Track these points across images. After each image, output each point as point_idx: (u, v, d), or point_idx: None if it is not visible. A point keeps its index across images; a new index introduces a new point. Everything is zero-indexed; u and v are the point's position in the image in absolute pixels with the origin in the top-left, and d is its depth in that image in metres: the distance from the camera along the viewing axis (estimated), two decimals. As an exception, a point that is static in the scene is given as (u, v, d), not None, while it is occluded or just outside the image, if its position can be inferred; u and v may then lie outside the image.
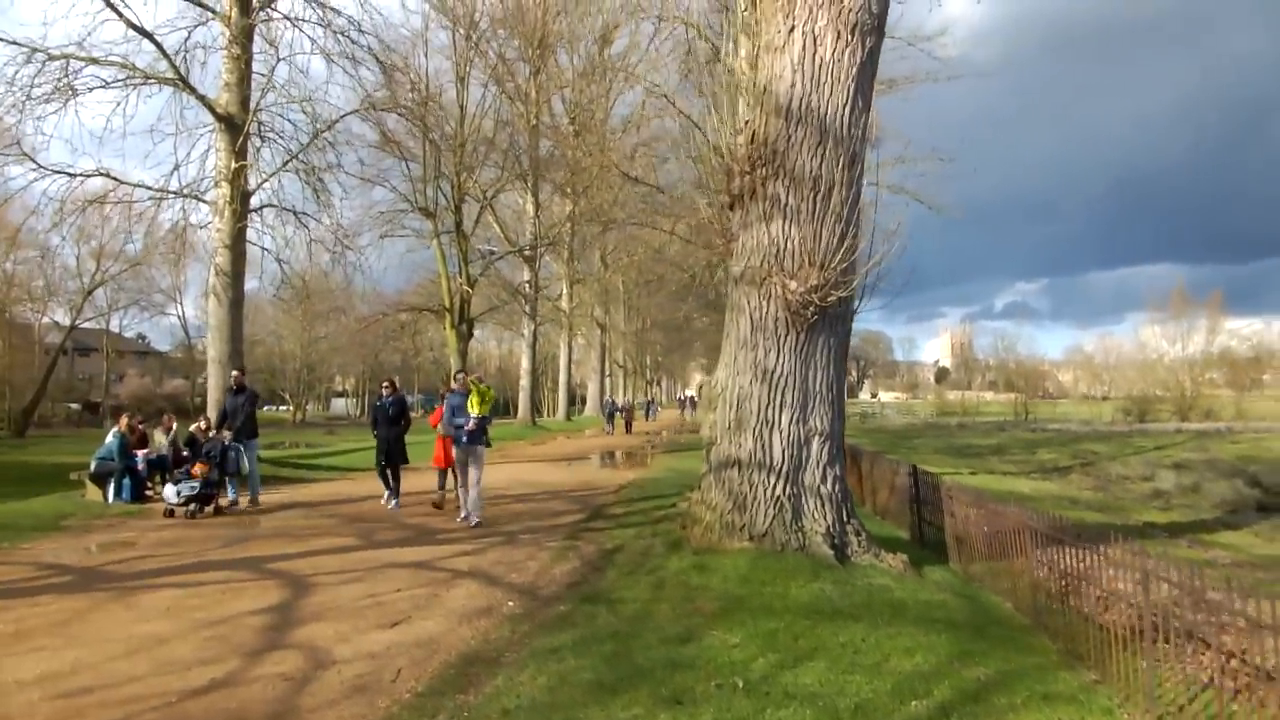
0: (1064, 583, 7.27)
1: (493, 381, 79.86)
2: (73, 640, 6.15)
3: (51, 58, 16.86)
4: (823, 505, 8.65)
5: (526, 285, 40.12)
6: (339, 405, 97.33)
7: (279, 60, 18.89)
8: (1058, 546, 7.49)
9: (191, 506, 12.11)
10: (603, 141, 39.63)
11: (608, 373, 64.35)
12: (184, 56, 18.11)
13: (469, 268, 32.73)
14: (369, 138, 25.88)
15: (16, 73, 16.65)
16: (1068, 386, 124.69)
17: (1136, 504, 23.42)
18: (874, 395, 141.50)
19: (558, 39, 39.66)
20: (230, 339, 18.55)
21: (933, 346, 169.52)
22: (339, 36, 19.78)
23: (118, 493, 13.19)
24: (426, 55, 30.59)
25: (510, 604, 7.36)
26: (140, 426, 14.71)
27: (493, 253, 36.47)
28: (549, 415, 61.65)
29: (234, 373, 14.69)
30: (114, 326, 70.76)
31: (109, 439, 13.56)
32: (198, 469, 12.45)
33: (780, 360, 8.60)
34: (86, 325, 62.62)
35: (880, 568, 8.50)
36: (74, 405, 69.69)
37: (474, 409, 11.40)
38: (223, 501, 12.96)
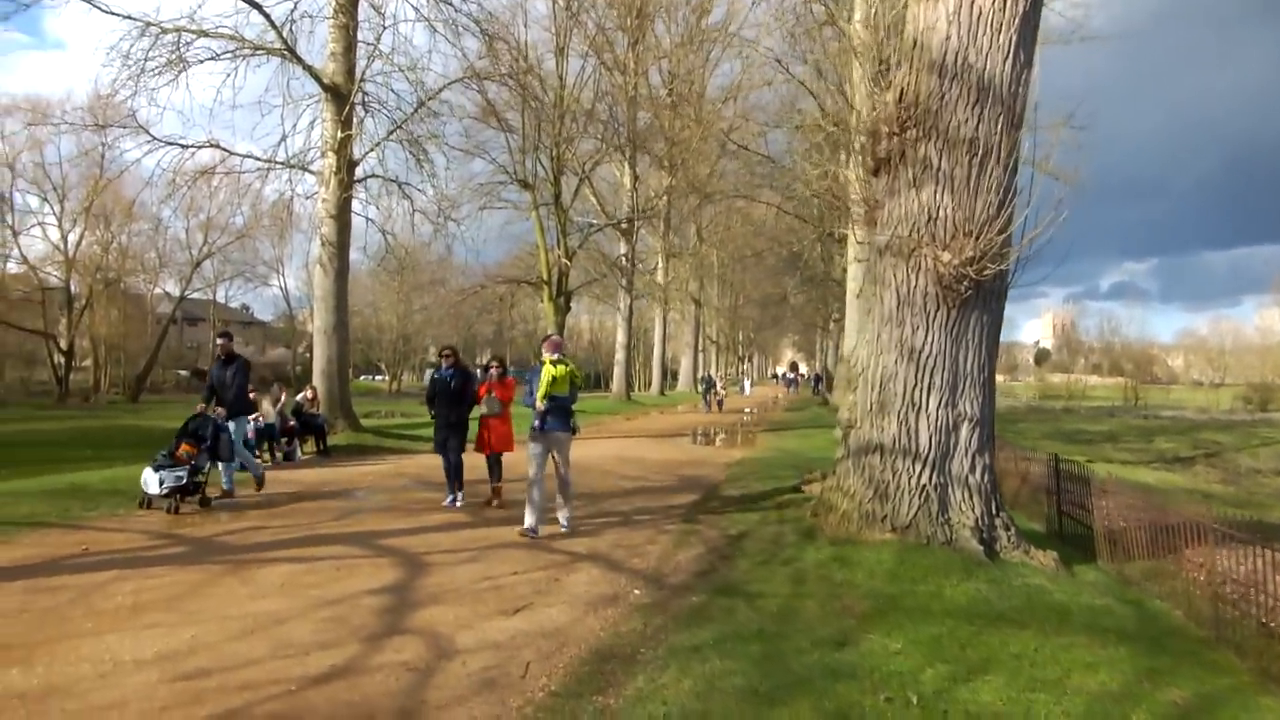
0: (1254, 592, 6.46)
1: (584, 356, 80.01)
2: (189, 617, 5.88)
3: (164, 31, 16.96)
4: (971, 497, 7.94)
5: (623, 259, 39.69)
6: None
7: (385, 28, 18.67)
8: (1243, 549, 6.69)
9: (175, 498, 9.75)
10: (699, 112, 39.02)
11: (700, 348, 63.74)
12: (290, 26, 18.01)
13: (567, 240, 32.44)
14: (468, 109, 25.78)
15: (131, 46, 16.82)
16: (1178, 371, 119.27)
17: (1275, 500, 21.80)
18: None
19: (656, 8, 39.03)
20: (336, 309, 18.54)
21: (1033, 327, 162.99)
22: (442, 4, 19.55)
23: (228, 460, 13.14)
24: (526, 25, 30.26)
25: (636, 592, 6.89)
26: (250, 395, 14.73)
27: (591, 225, 36.10)
28: (641, 390, 61.36)
29: (219, 339, 11.91)
30: (220, 297, 72.82)
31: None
32: (183, 451, 10.11)
33: (929, 338, 7.89)
34: (195, 296, 64.48)
35: (1032, 566, 7.77)
36: (183, 372, 72.15)
37: (545, 387, 8.89)
38: (212, 491, 10.57)
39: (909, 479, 7.85)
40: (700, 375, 46.75)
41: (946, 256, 7.68)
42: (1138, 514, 8.93)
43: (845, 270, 31.07)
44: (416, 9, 19.83)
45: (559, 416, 8.99)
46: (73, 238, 51.74)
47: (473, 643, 5.55)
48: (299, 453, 15.28)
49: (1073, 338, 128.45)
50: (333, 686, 4.77)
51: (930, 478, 7.83)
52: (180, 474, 9.84)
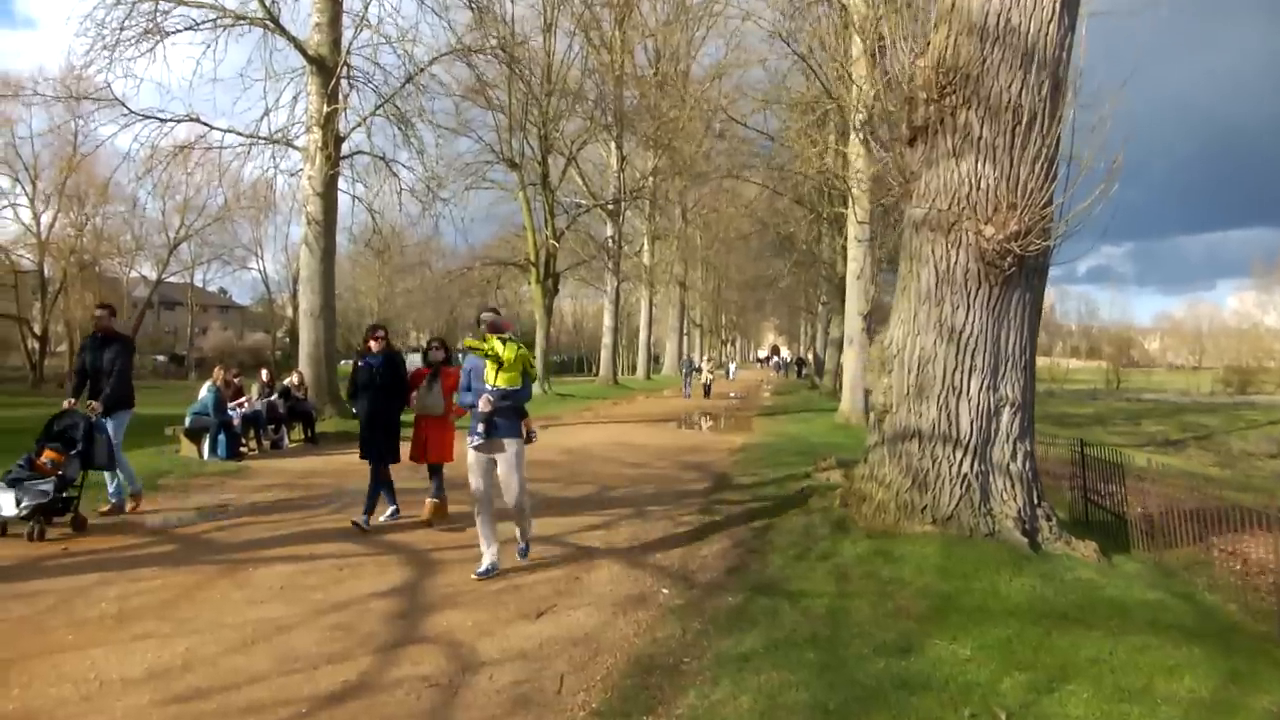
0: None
1: (567, 340, 78.89)
2: (182, 626, 5.33)
3: (141, 0, 16.22)
4: (1013, 485, 7.47)
5: (610, 241, 39.09)
6: (414, 360, 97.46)
7: (372, -3, 17.94)
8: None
9: (39, 521, 7.46)
10: (684, 91, 38.42)
11: (685, 332, 63.26)
12: (273, -5, 17.31)
13: (554, 221, 31.86)
14: (455, 87, 25.14)
15: (106, 15, 16.07)
16: (1155, 355, 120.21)
17: (1276, 483, 21.57)
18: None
19: (642, -15, 38.33)
20: (323, 290, 17.89)
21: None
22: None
23: (213, 449, 12.54)
24: (513, 1, 29.53)
25: (664, 591, 6.38)
26: (236, 380, 14.10)
27: (579, 205, 35.49)
28: (626, 374, 60.83)
29: (97, 312, 8.96)
30: (197, 280, 71.80)
31: (203, 393, 12.91)
32: (45, 459, 7.76)
33: (970, 318, 7.40)
34: (172, 279, 63.58)
35: (1075, 558, 7.34)
36: (160, 357, 71.02)
37: (491, 375, 6.59)
38: (102, 508, 8.65)
39: (949, 467, 7.37)
40: (682, 359, 45.75)
41: (989, 231, 7.18)
42: (1179, 501, 8.54)
43: (839, 251, 30.70)
44: (403, -21, 19.17)
45: (509, 418, 6.66)
46: (45, 219, 50.71)
47: (497, 652, 5.04)
48: (287, 440, 14.66)
49: (1051, 321, 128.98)
50: (348, 708, 4.25)
51: (972, 466, 7.36)
52: (45, 488, 7.52)
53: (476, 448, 6.62)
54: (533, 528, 7.25)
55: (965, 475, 7.33)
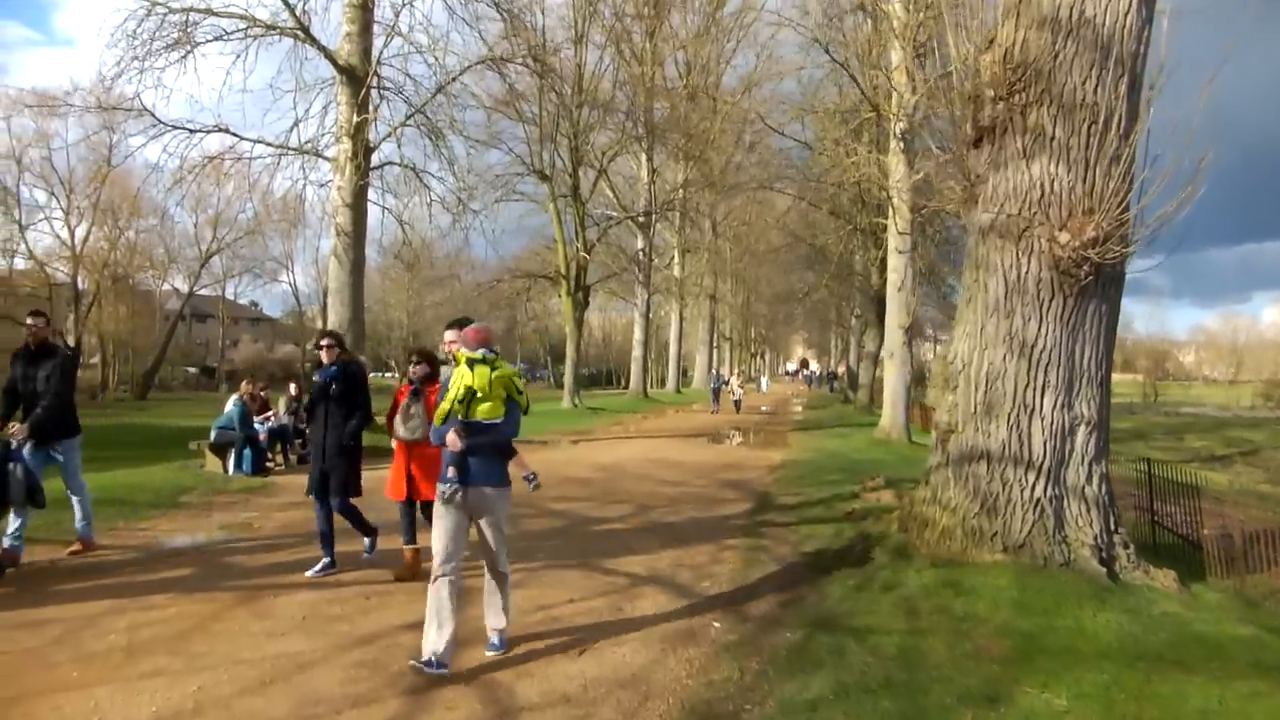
0: None
1: (595, 354, 78.50)
2: (195, 661, 4.90)
3: (172, 11, 16.05)
4: (1088, 510, 6.91)
5: (641, 253, 38.71)
6: (445, 373, 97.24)
7: (404, 3, 17.65)
8: None
9: None
10: (716, 103, 38.18)
11: (715, 345, 62.72)
12: (304, 4, 17.08)
13: (585, 233, 31.53)
14: (485, 99, 24.94)
15: (138, 26, 15.90)
16: (1190, 368, 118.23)
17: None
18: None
19: (672, -2, 38.12)
20: (351, 302, 17.53)
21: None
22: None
23: (238, 464, 12.20)
24: (543, 13, 29.29)
25: (716, 625, 5.88)
26: (263, 394, 13.76)
27: (609, 217, 35.15)
28: (655, 388, 60.33)
29: (29, 320, 7.30)
30: (229, 293, 72.29)
31: (229, 407, 12.57)
32: None
33: (1043, 331, 6.85)
34: (203, 292, 64.04)
35: (1156, 589, 6.75)
36: (191, 369, 71.59)
37: (474, 403, 5.06)
38: (71, 548, 7.43)
39: (1021, 491, 6.82)
40: (711, 372, 44.56)
41: (1065, 237, 6.65)
42: (1263, 525, 7.97)
43: (874, 263, 30.14)
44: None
45: (487, 460, 5.08)
46: (80, 232, 51.28)
47: (538, 695, 4.58)
48: (314, 455, 14.29)
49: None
50: (374, 762, 3.80)
51: (1045, 489, 6.80)
52: None
53: (445, 499, 4.97)
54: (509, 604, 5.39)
55: (1038, 499, 6.78)
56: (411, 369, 7.17)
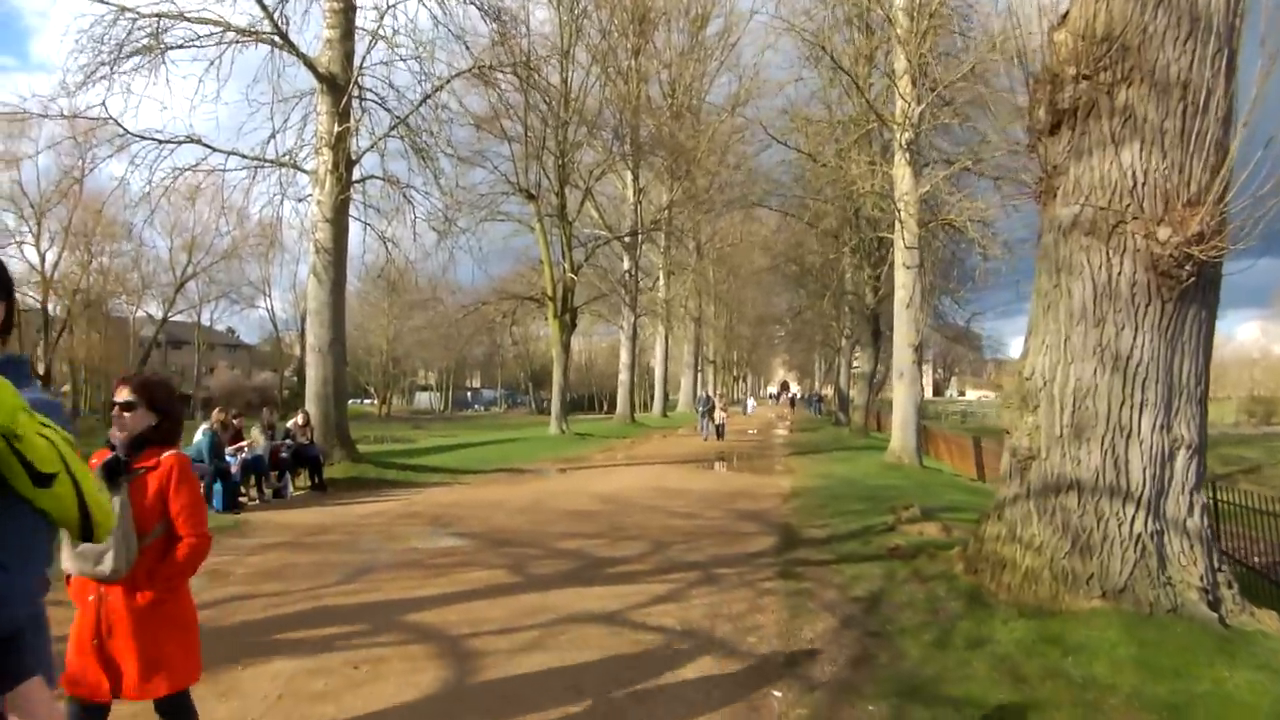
0: None
1: (577, 378, 77.19)
2: (141, 763, 3.86)
3: (142, 16, 15.07)
4: (1191, 547, 5.98)
5: (627, 275, 37.79)
6: (423, 399, 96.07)
7: (389, 8, 16.71)
8: None
9: None
10: (698, 122, 37.61)
11: (699, 368, 61.81)
12: (282, 9, 16.13)
13: (572, 254, 30.61)
14: (470, 115, 24.09)
15: (105, 33, 14.91)
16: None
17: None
18: (961, 393, 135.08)
19: (657, 16, 37.58)
20: (332, 323, 16.46)
21: (1019, 344, 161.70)
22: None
23: (207, 500, 11.10)
24: (529, 29, 28.44)
25: (777, 695, 4.87)
26: (235, 421, 12.66)
27: (597, 238, 34.23)
28: (641, 411, 59.19)
29: None
30: (205, 320, 70.72)
31: (197, 437, 11.46)
32: None
33: (1139, 341, 5.93)
34: (178, 318, 62.50)
35: (1268, 633, 5.82)
36: (165, 397, 69.92)
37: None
38: None
39: (1119, 525, 5.86)
40: (698, 395, 42.88)
41: (1164, 233, 5.76)
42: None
43: (867, 281, 29.36)
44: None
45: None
46: (50, 257, 49.81)
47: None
48: (291, 489, 13.20)
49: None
50: None
51: (1145, 523, 5.85)
52: None
53: None
54: None
55: (1139, 535, 5.84)
56: (120, 421, 3.21)
